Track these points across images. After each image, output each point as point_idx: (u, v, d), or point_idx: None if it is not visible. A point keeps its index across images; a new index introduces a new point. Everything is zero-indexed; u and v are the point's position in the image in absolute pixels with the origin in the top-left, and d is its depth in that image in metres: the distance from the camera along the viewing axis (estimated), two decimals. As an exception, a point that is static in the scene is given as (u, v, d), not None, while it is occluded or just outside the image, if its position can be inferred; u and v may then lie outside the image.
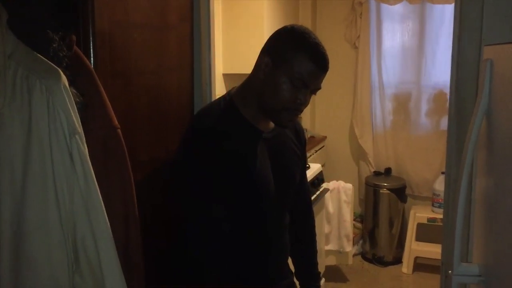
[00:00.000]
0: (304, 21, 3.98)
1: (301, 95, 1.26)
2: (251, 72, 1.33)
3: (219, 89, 2.28)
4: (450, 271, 1.19)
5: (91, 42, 1.21)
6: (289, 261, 1.57)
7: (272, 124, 1.37)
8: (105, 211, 1.03)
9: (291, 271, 1.57)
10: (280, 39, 1.30)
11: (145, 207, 1.30)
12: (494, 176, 1.14)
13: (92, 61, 1.21)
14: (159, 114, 1.55)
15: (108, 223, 1.04)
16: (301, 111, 1.31)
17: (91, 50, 1.21)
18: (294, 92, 1.25)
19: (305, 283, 1.61)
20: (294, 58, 1.23)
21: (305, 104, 1.28)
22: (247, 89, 1.33)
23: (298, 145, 1.48)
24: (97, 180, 1.03)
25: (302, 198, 1.62)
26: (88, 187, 1.01)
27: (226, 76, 3.16)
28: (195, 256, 1.30)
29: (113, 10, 1.30)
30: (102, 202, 1.03)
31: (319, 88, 1.29)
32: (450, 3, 3.68)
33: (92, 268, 1.02)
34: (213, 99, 1.80)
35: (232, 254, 1.33)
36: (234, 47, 3.11)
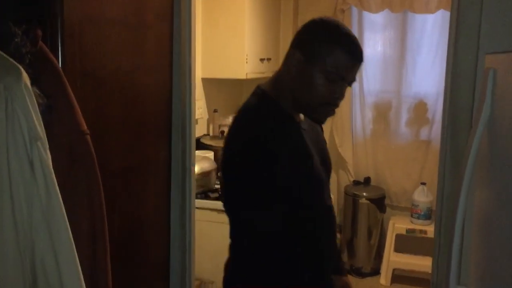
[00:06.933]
0: (285, 26, 3.92)
1: (337, 89, 1.23)
2: (281, 68, 1.30)
3: (198, 94, 2.19)
4: (445, 294, 1.11)
5: (59, 38, 1.14)
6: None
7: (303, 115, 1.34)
8: (69, 228, 0.95)
9: None
10: (311, 33, 1.26)
11: (116, 222, 1.19)
12: (494, 189, 1.07)
13: (59, 59, 1.13)
14: (134, 118, 1.46)
15: (73, 242, 0.95)
16: (338, 106, 1.27)
17: (59, 47, 1.14)
18: (330, 87, 1.22)
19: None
20: (327, 52, 1.20)
21: (341, 97, 1.25)
22: (279, 84, 1.30)
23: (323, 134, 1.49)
24: (61, 193, 0.94)
25: None
26: (50, 200, 0.92)
27: (205, 81, 3.07)
28: (260, 252, 1.21)
29: (85, 4, 1.23)
30: (65, 217, 0.94)
31: (355, 80, 1.26)
32: (432, 13, 3.69)
33: (52, 292, 0.91)
34: (193, 103, 1.69)
35: (300, 250, 1.25)
36: (213, 51, 3.04)
